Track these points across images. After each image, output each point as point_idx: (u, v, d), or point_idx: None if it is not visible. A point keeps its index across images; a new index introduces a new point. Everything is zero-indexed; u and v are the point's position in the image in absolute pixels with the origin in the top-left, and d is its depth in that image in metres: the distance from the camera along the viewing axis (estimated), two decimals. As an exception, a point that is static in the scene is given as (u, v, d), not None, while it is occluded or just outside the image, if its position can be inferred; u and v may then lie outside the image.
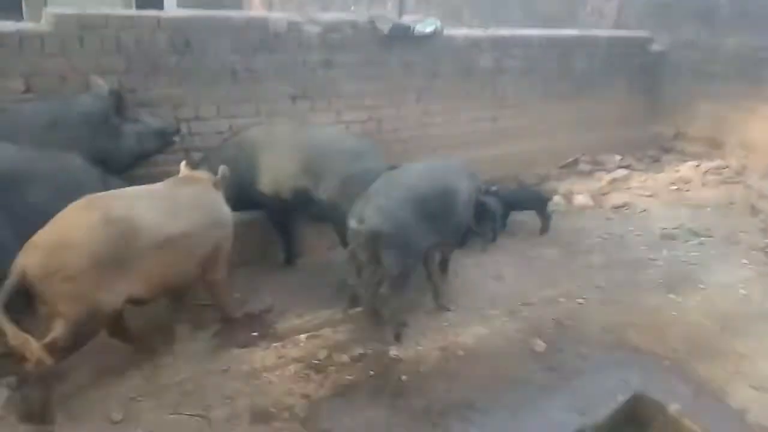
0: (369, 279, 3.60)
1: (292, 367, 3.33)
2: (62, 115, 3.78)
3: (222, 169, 3.54)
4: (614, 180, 6.83)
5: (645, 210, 6.07)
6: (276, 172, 4.14)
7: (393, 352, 3.53)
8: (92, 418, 2.80)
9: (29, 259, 2.62)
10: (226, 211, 3.48)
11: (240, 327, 3.65)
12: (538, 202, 5.52)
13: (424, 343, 3.64)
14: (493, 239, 5.08)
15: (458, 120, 6.27)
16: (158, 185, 3.35)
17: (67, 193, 3.14)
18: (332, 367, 3.35)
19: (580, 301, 4.29)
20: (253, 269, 4.32)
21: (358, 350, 3.52)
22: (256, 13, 6.13)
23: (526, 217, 5.66)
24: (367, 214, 3.48)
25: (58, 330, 2.68)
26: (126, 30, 4.24)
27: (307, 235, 4.51)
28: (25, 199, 3.15)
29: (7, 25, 3.97)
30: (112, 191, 3.09)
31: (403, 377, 3.33)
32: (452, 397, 3.19)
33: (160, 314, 3.61)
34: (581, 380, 3.40)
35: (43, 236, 2.69)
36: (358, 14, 5.76)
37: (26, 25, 4.19)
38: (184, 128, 4.57)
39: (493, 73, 6.45)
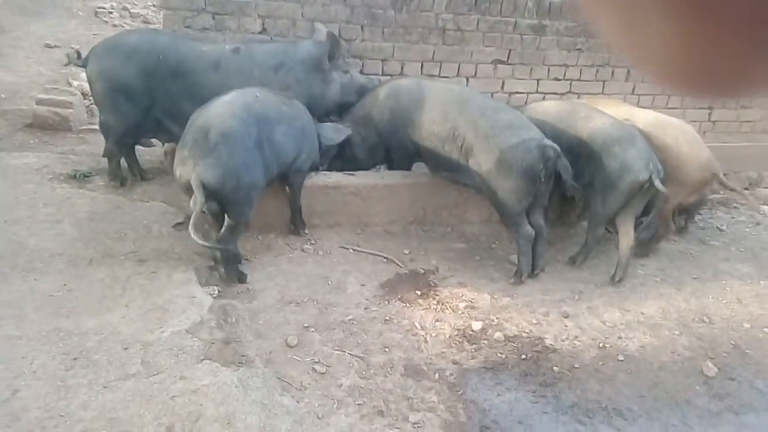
0: None
1: (447, 332, 3.47)
2: (287, 59, 4.15)
3: None
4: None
5: None
6: (428, 133, 4.14)
7: (549, 341, 3.53)
8: (273, 339, 3.20)
9: None
10: None
11: (406, 283, 3.88)
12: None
13: (582, 339, 3.58)
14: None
15: (667, 106, 5.76)
16: None
17: (295, 133, 3.75)
18: (485, 341, 3.45)
19: (769, 330, 3.89)
20: (425, 229, 4.51)
21: (514, 330, 3.58)
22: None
23: (724, 223, 5.17)
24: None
25: None
26: (353, -20, 4.46)
27: (484, 204, 4.53)
28: (273, 138, 3.63)
29: (256, -31, 4.39)
30: None
31: (555, 368, 3.33)
32: (602, 400, 3.14)
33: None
34: (752, 416, 3.14)
35: None
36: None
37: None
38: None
39: (721, 58, 5.76)
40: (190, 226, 3.20)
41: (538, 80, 5.25)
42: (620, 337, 3.64)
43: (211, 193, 3.30)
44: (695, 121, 5.98)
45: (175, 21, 4.24)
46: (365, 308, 3.57)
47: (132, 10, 8.62)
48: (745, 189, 5.92)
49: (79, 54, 4.11)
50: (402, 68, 4.84)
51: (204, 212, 3.38)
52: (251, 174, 3.46)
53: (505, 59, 5.06)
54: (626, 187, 3.98)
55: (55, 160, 4.53)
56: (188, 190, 3.33)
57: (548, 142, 3.84)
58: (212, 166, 3.27)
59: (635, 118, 4.42)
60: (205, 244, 3.38)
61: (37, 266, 3.45)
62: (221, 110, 3.46)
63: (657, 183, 3.93)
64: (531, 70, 5.18)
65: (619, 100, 5.06)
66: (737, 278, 4.44)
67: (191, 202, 3.33)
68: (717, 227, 5.13)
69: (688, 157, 4.30)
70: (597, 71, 5.39)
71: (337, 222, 4.36)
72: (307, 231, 4.21)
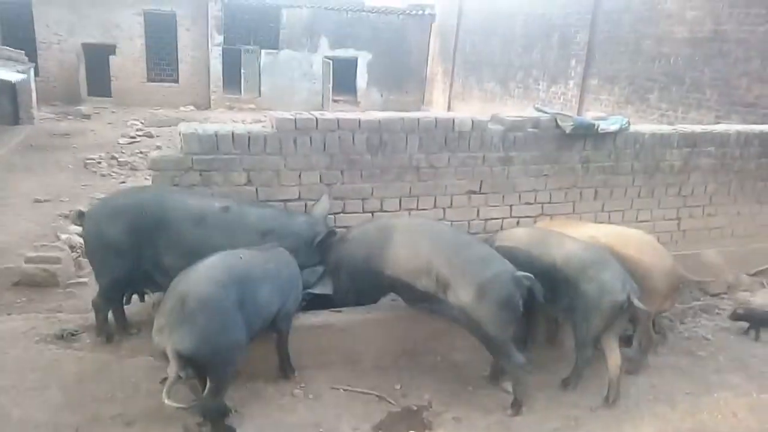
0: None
1: (448, 476, 3.39)
2: (279, 227, 4.35)
3: None
4: (822, 297, 6.01)
5: None
6: (402, 270, 4.24)
7: (550, 476, 3.45)
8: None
9: None
10: None
11: (399, 423, 3.81)
12: None
13: (582, 472, 3.51)
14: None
15: (637, 220, 6.03)
16: None
17: (281, 286, 3.83)
18: (487, 483, 3.36)
19: (770, 446, 3.84)
20: (416, 361, 4.50)
21: (515, 468, 3.50)
22: (443, 114, 6.54)
23: (709, 332, 5.22)
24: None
25: None
26: (332, 131, 4.78)
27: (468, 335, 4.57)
28: (256, 298, 3.66)
29: (239, 128, 4.73)
30: None
31: (559, 508, 3.24)
32: None
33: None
34: None
35: None
36: (542, 109, 5.87)
37: (255, 127, 4.93)
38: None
39: (680, 171, 6.13)
40: (164, 394, 3.12)
41: (510, 206, 5.51)
42: (620, 465, 3.57)
43: (187, 361, 3.25)
44: (666, 231, 6.24)
45: (163, 180, 4.46)
46: (360, 455, 3.49)
47: (120, 159, 9.00)
48: (724, 294, 6.09)
49: (81, 214, 4.29)
50: (381, 205, 5.06)
51: (180, 377, 3.29)
52: (231, 336, 3.43)
53: (478, 189, 5.34)
54: (606, 309, 4.07)
55: (42, 321, 4.54)
56: (165, 357, 3.29)
57: (521, 273, 3.96)
58: (187, 334, 3.24)
59: (597, 234, 4.62)
60: (182, 406, 3.28)
61: (22, 439, 3.37)
62: (201, 275, 3.48)
63: (636, 302, 4.04)
64: (503, 197, 5.45)
65: (577, 220, 5.33)
66: (730, 390, 4.43)
67: (168, 369, 3.27)
68: (703, 336, 5.18)
69: (654, 266, 4.47)
70: (566, 193, 5.69)
71: (327, 361, 4.35)
72: (296, 374, 4.19)
